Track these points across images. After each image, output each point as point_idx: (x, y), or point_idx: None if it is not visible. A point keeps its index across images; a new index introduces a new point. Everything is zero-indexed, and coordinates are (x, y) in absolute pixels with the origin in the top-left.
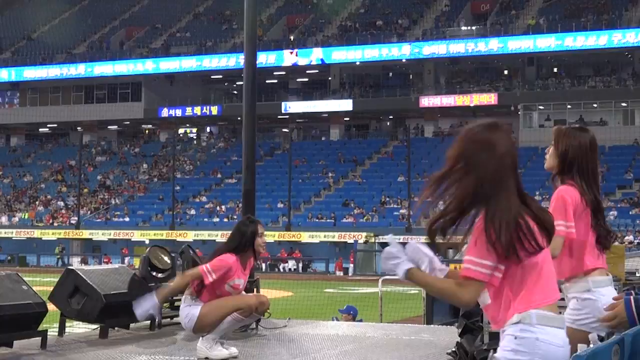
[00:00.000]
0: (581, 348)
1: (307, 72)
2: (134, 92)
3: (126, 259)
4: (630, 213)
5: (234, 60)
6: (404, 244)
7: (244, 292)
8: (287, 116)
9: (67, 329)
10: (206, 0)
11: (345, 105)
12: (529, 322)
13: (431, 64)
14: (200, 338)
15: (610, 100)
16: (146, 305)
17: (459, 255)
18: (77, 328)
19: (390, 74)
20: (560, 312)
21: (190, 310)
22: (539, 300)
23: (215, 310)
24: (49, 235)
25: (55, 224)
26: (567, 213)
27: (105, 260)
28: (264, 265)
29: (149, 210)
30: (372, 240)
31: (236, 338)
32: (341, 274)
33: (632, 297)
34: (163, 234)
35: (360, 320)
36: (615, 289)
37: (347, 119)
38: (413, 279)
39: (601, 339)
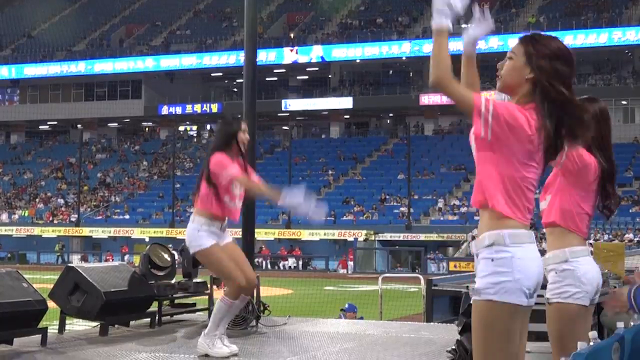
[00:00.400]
0: (581, 346)
1: (307, 69)
2: (134, 89)
3: (125, 257)
4: (630, 211)
5: (234, 58)
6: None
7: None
8: (287, 114)
9: (67, 327)
10: None
11: (345, 103)
12: (502, 243)
13: None
14: (202, 334)
15: (611, 98)
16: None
17: (459, 254)
18: (77, 325)
19: (391, 71)
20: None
21: (201, 239)
22: (522, 217)
23: (217, 259)
24: (49, 232)
25: (55, 222)
26: None
27: (107, 257)
28: (264, 263)
29: (149, 207)
30: (372, 238)
31: (236, 336)
32: (346, 272)
33: (634, 287)
34: (163, 232)
35: (361, 318)
36: (615, 287)
37: (347, 116)
38: (437, 36)
39: (601, 336)
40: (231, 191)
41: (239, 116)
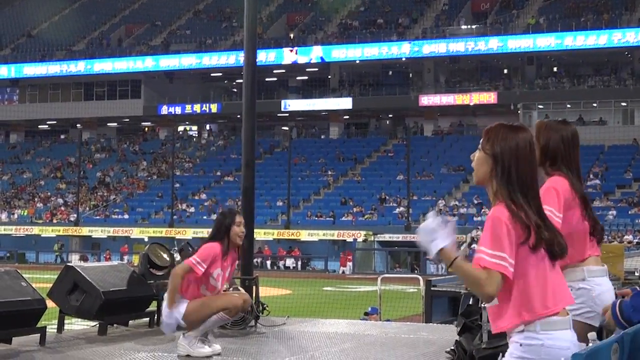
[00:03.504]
0: (581, 347)
1: (307, 70)
2: (133, 89)
3: (125, 257)
4: (629, 212)
5: (234, 58)
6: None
7: (223, 290)
8: (286, 114)
9: (66, 326)
10: None
11: (344, 103)
12: (533, 330)
13: (431, 62)
14: (182, 335)
15: (610, 100)
16: (167, 322)
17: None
18: (76, 325)
19: (390, 72)
20: (567, 313)
21: (177, 307)
22: (543, 310)
23: (201, 309)
24: (48, 232)
25: (55, 221)
26: (558, 203)
27: (106, 257)
28: (263, 263)
29: (148, 207)
30: (371, 238)
31: (235, 335)
32: (347, 270)
33: (617, 301)
34: (162, 232)
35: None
36: (614, 288)
37: (347, 117)
38: (445, 257)
39: (600, 337)
40: (209, 281)
41: (235, 210)
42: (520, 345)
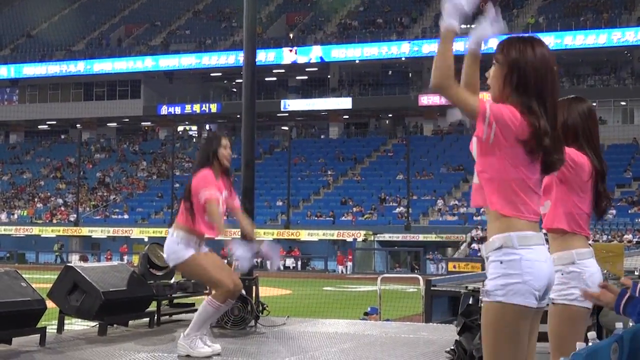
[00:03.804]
0: (580, 346)
1: (307, 70)
2: (133, 89)
3: (125, 257)
4: (629, 212)
5: (234, 58)
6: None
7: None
8: (286, 114)
9: (66, 326)
10: None
11: (344, 103)
12: (511, 245)
13: (431, 62)
14: (182, 335)
15: (610, 99)
16: (246, 256)
17: (458, 254)
18: (76, 325)
19: (390, 72)
20: (541, 230)
21: (181, 251)
22: (525, 216)
23: (201, 267)
24: (48, 232)
25: (54, 221)
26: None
27: (106, 256)
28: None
29: (148, 207)
30: (371, 238)
31: (235, 335)
32: (345, 269)
33: (628, 294)
34: (162, 232)
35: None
36: (616, 286)
37: (347, 117)
38: (444, 37)
39: (600, 337)
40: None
41: (218, 133)
42: (501, 262)
